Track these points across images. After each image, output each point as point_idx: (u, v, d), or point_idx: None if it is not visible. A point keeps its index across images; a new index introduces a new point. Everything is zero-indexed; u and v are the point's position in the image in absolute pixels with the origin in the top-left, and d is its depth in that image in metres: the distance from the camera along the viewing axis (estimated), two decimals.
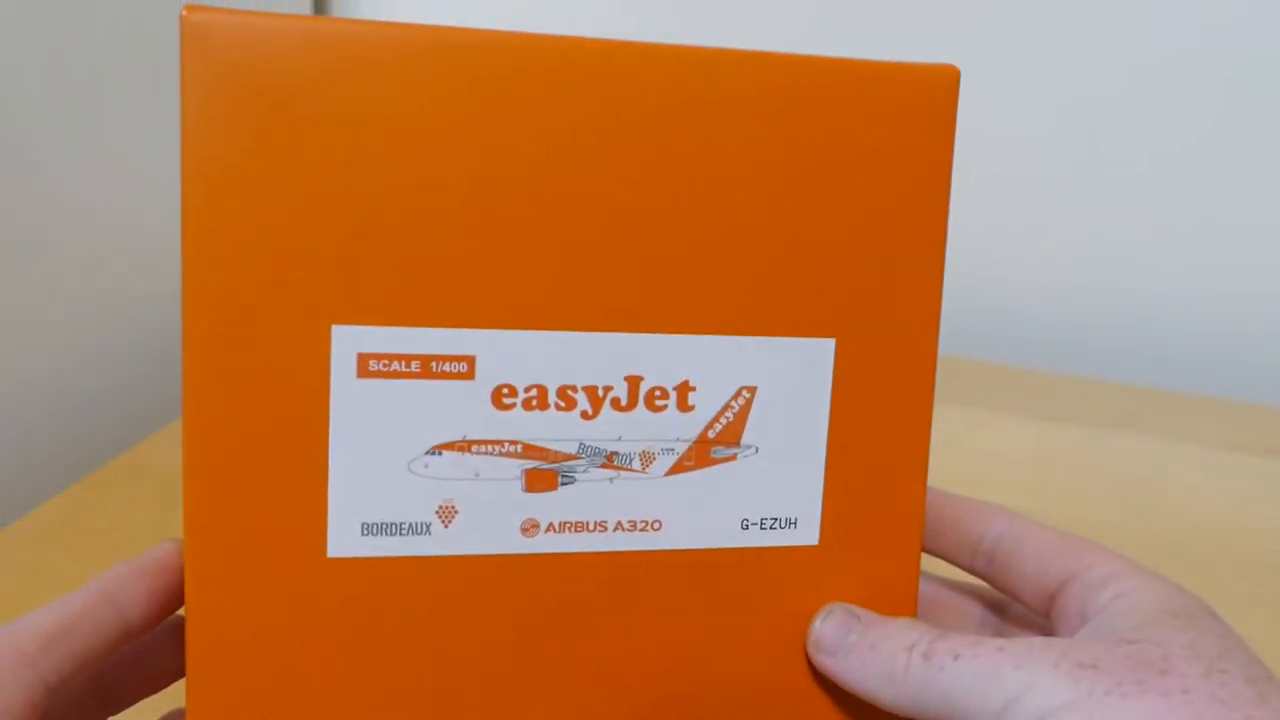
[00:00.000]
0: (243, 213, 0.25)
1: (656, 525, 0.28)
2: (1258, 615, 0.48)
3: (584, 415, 0.27)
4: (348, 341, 0.25)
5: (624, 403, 0.27)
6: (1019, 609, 0.32)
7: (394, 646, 0.27)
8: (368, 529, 0.26)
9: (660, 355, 0.27)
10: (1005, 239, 0.79)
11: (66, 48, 0.59)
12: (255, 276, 0.25)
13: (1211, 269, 0.76)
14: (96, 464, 0.59)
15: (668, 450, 0.28)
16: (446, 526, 0.27)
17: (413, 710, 0.27)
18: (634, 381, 0.27)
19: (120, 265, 0.66)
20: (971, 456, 0.62)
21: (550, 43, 0.26)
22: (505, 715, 0.28)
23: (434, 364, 0.26)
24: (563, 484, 0.27)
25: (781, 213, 0.27)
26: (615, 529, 0.27)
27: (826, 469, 0.29)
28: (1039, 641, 0.25)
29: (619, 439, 0.27)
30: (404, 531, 0.26)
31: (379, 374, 0.26)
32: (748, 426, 0.28)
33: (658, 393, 0.27)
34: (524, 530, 0.27)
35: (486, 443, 0.27)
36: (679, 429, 0.28)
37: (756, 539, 0.28)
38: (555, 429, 0.27)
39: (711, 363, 0.27)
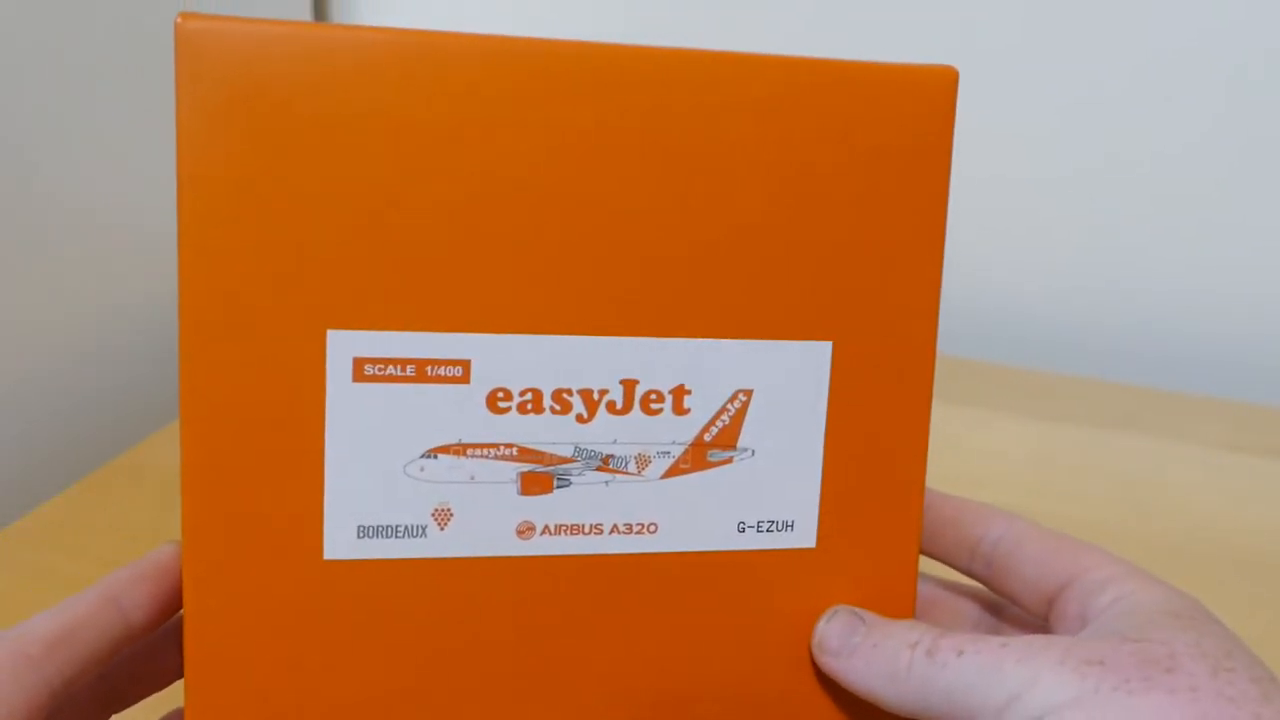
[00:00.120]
0: (238, 219, 0.25)
1: (652, 528, 0.28)
2: (1258, 615, 0.48)
3: (579, 418, 0.27)
4: (343, 346, 0.25)
5: (619, 406, 0.27)
6: (1016, 611, 0.32)
7: (390, 648, 0.27)
8: (363, 532, 0.26)
9: (656, 359, 0.27)
10: (1005, 239, 0.78)
11: (66, 48, 0.60)
12: (250, 282, 0.25)
13: (1212, 269, 0.76)
14: (96, 464, 0.59)
15: (663, 453, 0.28)
16: (442, 529, 0.27)
17: (409, 712, 0.27)
18: (629, 385, 0.27)
19: (120, 265, 0.66)
20: (971, 456, 0.62)
21: (544, 47, 0.26)
22: (501, 718, 0.28)
23: (429, 368, 0.26)
24: (558, 487, 0.27)
25: (779, 215, 0.27)
26: (611, 532, 0.27)
27: (823, 472, 0.28)
28: (1042, 639, 0.25)
29: (614, 442, 0.27)
30: (400, 534, 0.26)
31: (374, 378, 0.26)
32: (744, 429, 0.28)
33: (653, 396, 0.27)
34: (519, 533, 0.27)
35: (482, 446, 0.27)
36: (675, 432, 0.27)
37: (753, 542, 0.28)
38: (550, 432, 0.27)
39: (707, 366, 0.27)
